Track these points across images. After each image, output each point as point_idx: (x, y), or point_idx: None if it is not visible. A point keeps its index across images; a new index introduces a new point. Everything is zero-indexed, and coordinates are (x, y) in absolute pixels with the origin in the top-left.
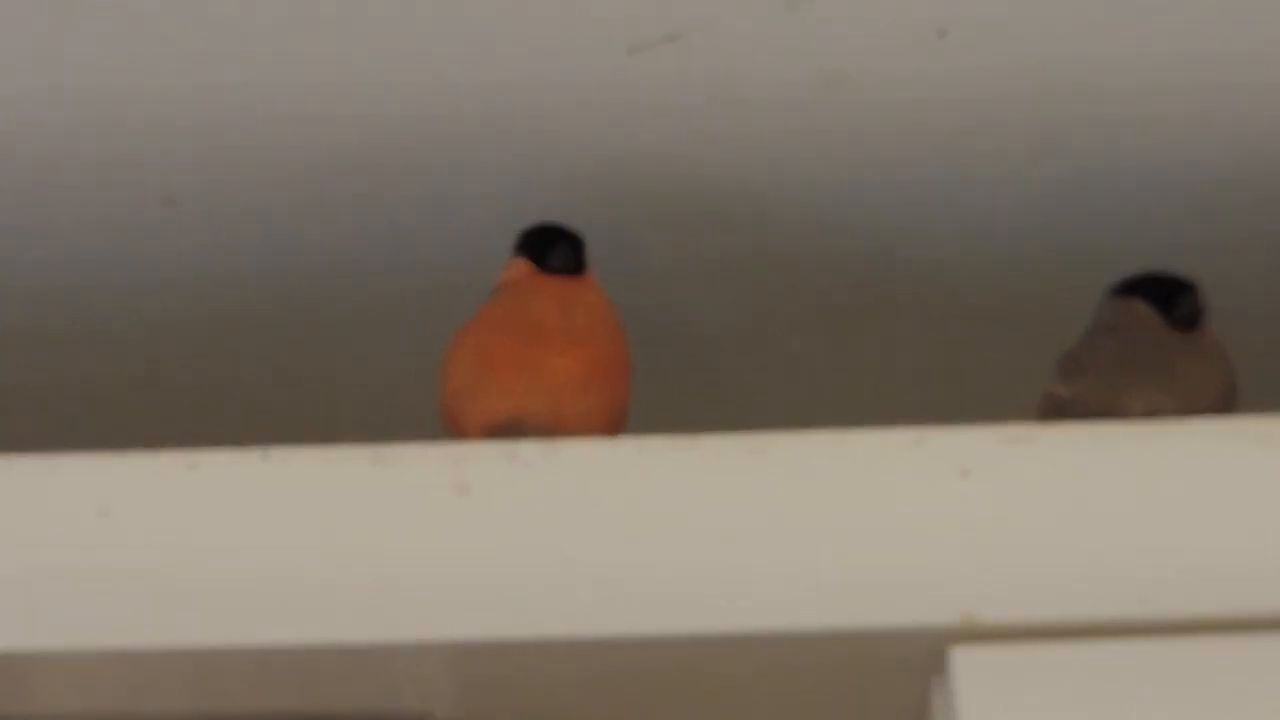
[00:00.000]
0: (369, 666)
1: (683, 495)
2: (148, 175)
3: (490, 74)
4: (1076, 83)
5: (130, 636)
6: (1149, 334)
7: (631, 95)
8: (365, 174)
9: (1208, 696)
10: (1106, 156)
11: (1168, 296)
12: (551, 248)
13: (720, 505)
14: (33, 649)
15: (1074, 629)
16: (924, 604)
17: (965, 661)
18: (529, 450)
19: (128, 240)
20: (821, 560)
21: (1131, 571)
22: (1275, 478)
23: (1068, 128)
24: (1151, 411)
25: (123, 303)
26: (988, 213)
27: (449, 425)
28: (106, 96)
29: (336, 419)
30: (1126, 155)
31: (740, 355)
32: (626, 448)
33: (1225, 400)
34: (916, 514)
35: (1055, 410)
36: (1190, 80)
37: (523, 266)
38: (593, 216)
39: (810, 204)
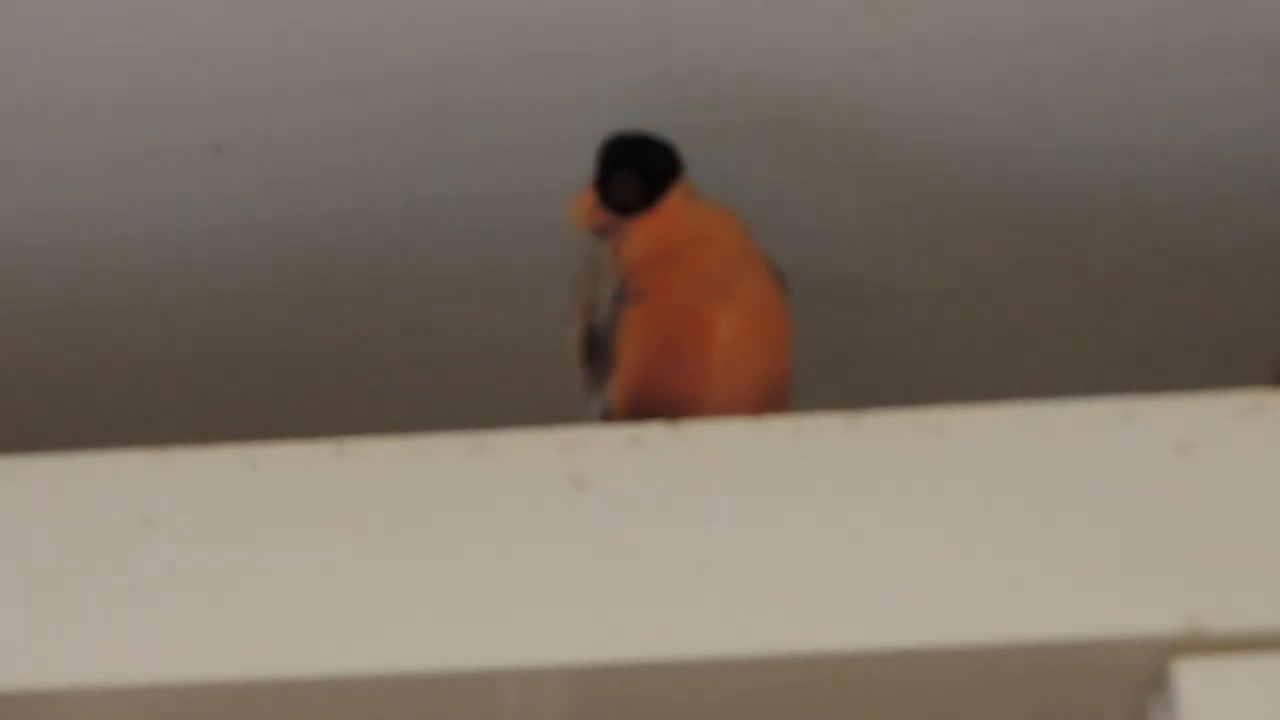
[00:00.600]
0: (467, 697)
1: (843, 484)
2: (194, 120)
3: None
4: None
5: (183, 668)
6: None
7: None
8: (438, 104)
9: None
10: None
11: None
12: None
13: (889, 496)
14: (68, 685)
15: None
16: (1140, 609)
17: (1191, 676)
18: (656, 434)
19: (173, 191)
20: (1012, 560)
21: None
22: None
23: None
24: None
25: (167, 266)
26: (1204, 141)
27: (621, 411)
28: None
29: (423, 401)
30: None
31: (908, 316)
32: (775, 429)
33: None
34: (1127, 500)
35: None
36: None
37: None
38: (704, 139)
39: (981, 125)
